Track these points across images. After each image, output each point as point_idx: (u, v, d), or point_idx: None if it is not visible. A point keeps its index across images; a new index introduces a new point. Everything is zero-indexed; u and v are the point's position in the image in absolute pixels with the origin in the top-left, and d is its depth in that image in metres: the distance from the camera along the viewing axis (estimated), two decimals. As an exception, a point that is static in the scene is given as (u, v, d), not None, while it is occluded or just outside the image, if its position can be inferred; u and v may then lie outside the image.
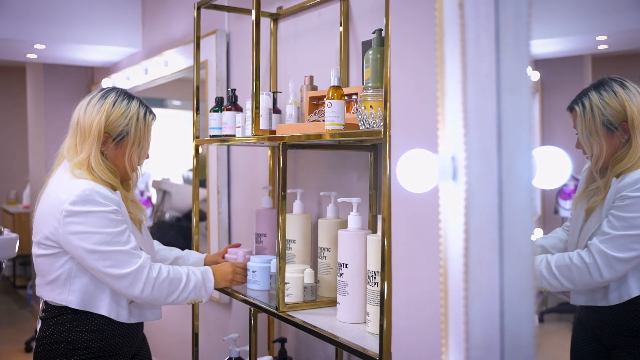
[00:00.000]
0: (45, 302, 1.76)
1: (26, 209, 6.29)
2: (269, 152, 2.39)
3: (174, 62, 3.29)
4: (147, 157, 1.89)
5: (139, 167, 1.87)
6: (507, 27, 0.68)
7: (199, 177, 2.51)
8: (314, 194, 2.19)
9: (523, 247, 0.70)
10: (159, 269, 1.73)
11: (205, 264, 2.10)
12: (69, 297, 1.69)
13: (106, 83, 4.37)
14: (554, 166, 0.76)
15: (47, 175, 1.80)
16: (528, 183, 0.71)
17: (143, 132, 1.81)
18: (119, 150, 1.78)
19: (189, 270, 1.82)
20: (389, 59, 1.27)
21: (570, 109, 1.32)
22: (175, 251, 2.11)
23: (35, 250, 1.74)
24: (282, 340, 2.22)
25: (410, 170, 0.79)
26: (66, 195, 1.64)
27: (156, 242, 2.11)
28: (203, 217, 2.91)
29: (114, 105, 1.76)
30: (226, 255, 2.19)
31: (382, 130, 1.31)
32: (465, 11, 0.69)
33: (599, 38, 1.29)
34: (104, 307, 1.71)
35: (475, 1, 0.69)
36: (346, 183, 2.04)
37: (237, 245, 2.28)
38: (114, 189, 1.74)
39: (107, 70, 4.74)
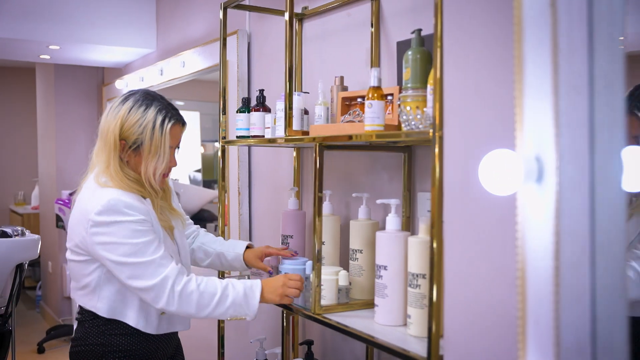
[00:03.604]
0: (80, 305, 1.76)
1: (35, 210, 6.28)
2: (294, 153, 2.37)
3: (192, 62, 3.28)
4: (175, 164, 1.79)
5: (167, 174, 1.78)
6: (601, 23, 0.66)
7: (216, 178, 2.49)
8: (340, 196, 2.17)
9: (616, 251, 0.69)
10: (186, 282, 1.61)
11: (245, 261, 2.01)
12: (97, 304, 1.68)
13: (120, 84, 4.35)
14: None
15: (82, 178, 1.78)
16: (621, 185, 0.69)
17: (159, 141, 1.69)
18: (137, 158, 1.70)
19: (229, 284, 1.68)
20: (438, 58, 1.25)
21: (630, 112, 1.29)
22: (217, 246, 2.01)
23: (68, 255, 1.74)
24: (309, 343, 2.20)
25: (492, 171, 0.77)
26: (92, 205, 1.62)
27: (202, 232, 2.07)
28: (215, 218, 2.89)
29: (129, 111, 1.68)
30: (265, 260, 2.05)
31: (431, 131, 1.29)
32: (558, 9, 0.68)
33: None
34: (131, 318, 1.68)
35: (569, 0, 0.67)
36: (376, 184, 2.02)
37: (286, 254, 2.00)
38: (143, 196, 1.70)
39: (118, 71, 4.72)
